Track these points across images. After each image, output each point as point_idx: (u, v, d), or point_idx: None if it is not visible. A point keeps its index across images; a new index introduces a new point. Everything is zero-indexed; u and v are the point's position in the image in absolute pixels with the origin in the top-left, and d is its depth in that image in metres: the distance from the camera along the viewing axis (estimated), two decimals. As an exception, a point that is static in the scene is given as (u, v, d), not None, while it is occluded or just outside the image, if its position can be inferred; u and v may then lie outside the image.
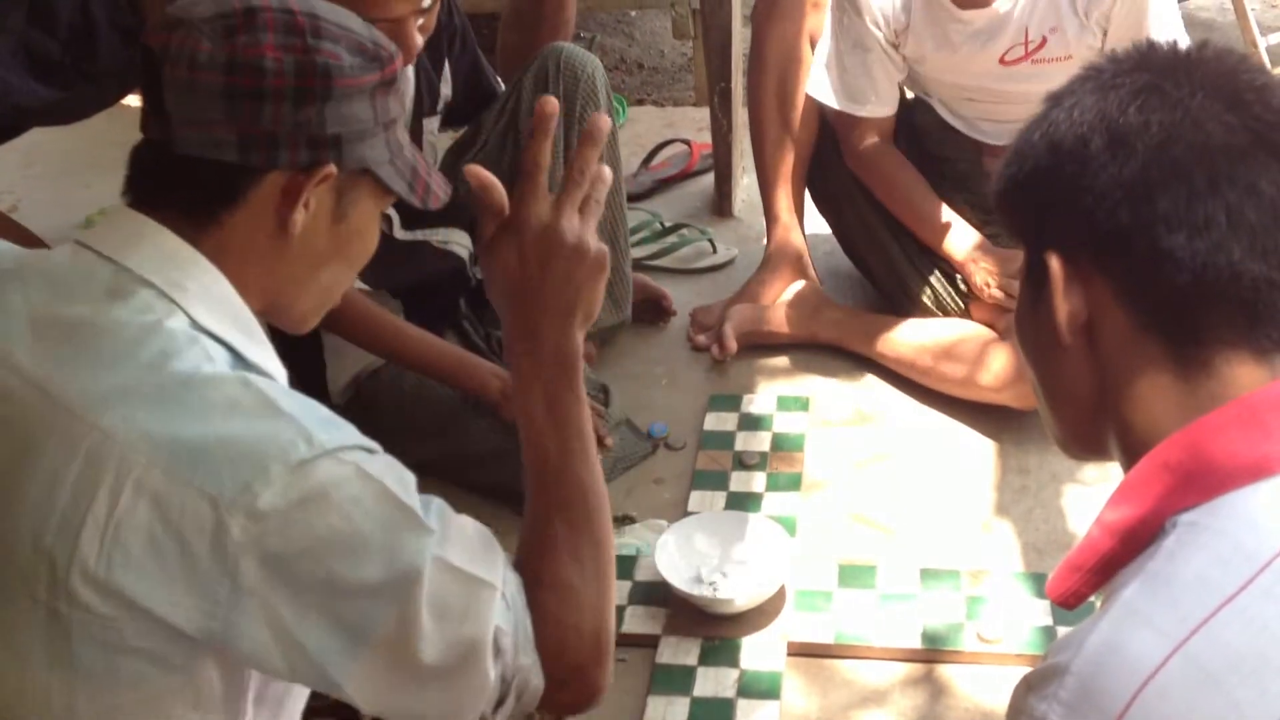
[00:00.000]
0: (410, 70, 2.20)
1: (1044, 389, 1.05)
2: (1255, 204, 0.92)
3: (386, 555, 1.07)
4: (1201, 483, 0.91)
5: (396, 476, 1.11)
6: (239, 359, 1.13)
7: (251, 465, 1.03)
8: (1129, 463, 0.97)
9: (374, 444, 1.11)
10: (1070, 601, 0.98)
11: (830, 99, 2.47)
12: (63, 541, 1.04)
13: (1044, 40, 2.27)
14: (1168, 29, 2.21)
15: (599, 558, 1.22)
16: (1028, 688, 0.89)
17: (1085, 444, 1.05)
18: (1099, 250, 0.96)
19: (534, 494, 1.25)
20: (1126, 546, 0.93)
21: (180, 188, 1.15)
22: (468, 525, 1.15)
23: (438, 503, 1.14)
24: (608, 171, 1.28)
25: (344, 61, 1.14)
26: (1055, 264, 0.97)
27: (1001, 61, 2.30)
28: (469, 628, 1.10)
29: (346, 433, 1.10)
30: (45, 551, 1.04)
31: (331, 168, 1.15)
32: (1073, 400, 1.02)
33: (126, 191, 1.18)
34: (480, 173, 1.26)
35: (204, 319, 1.12)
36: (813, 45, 2.54)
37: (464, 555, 1.11)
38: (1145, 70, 0.97)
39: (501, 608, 1.12)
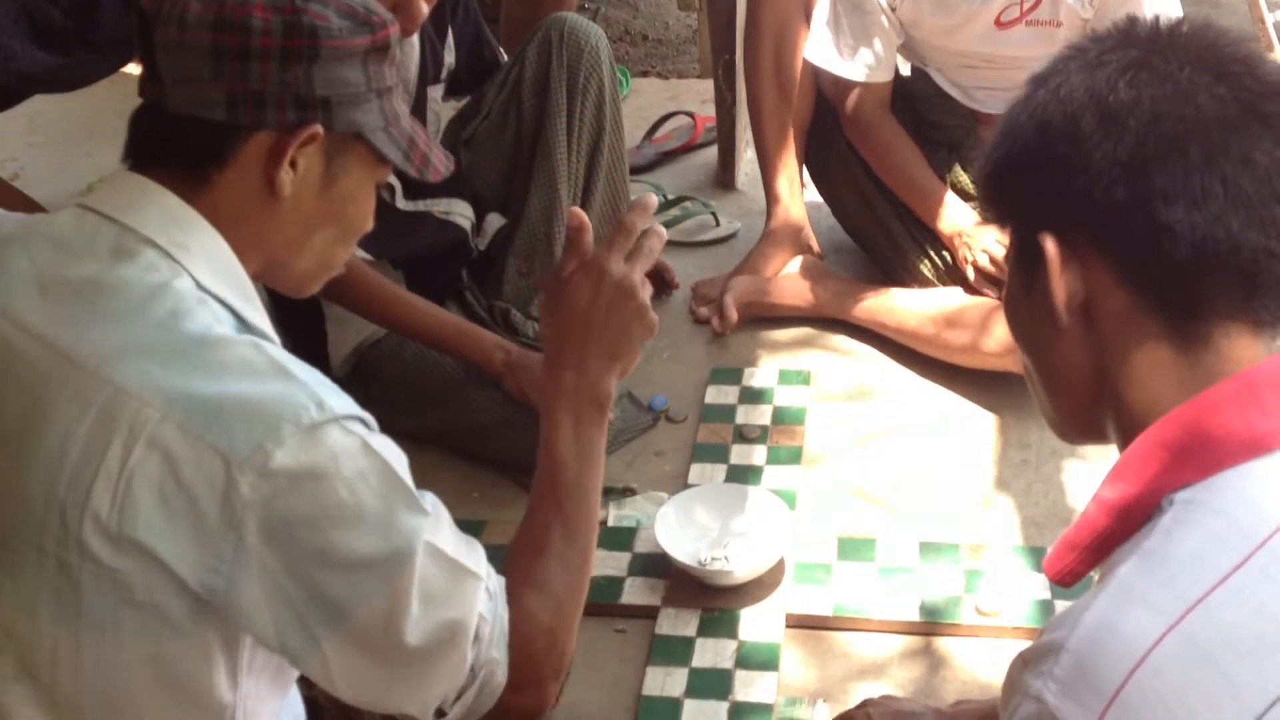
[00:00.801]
0: (415, 39, 2.19)
1: (1040, 372, 1.05)
2: (1251, 175, 0.92)
3: (383, 532, 1.09)
4: (1199, 460, 0.91)
5: (395, 455, 1.13)
6: (241, 322, 1.14)
7: (265, 425, 1.05)
8: (1125, 442, 0.97)
9: (371, 418, 1.13)
10: (1067, 580, 0.98)
11: (829, 63, 2.47)
12: (75, 493, 1.05)
13: (1038, 1, 2.28)
14: (1159, 4, 2.20)
15: (583, 576, 1.30)
16: (1024, 663, 0.89)
17: (1082, 426, 1.05)
18: (1096, 228, 0.95)
19: (542, 500, 1.33)
20: (1123, 524, 0.94)
21: (173, 148, 1.16)
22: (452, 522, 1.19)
23: (431, 495, 1.17)
24: (662, 231, 1.45)
25: (332, 24, 1.14)
26: (1051, 245, 0.97)
27: (997, 23, 2.31)
28: (454, 612, 1.14)
29: (350, 403, 1.12)
30: (57, 504, 1.05)
31: (318, 128, 1.16)
32: (1070, 382, 1.02)
33: (126, 155, 1.19)
34: (579, 215, 1.42)
35: (206, 280, 1.13)
36: (808, 16, 2.54)
37: (453, 544, 1.15)
38: (1131, 46, 0.97)
39: (484, 597, 1.17)
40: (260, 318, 1.17)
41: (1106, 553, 0.94)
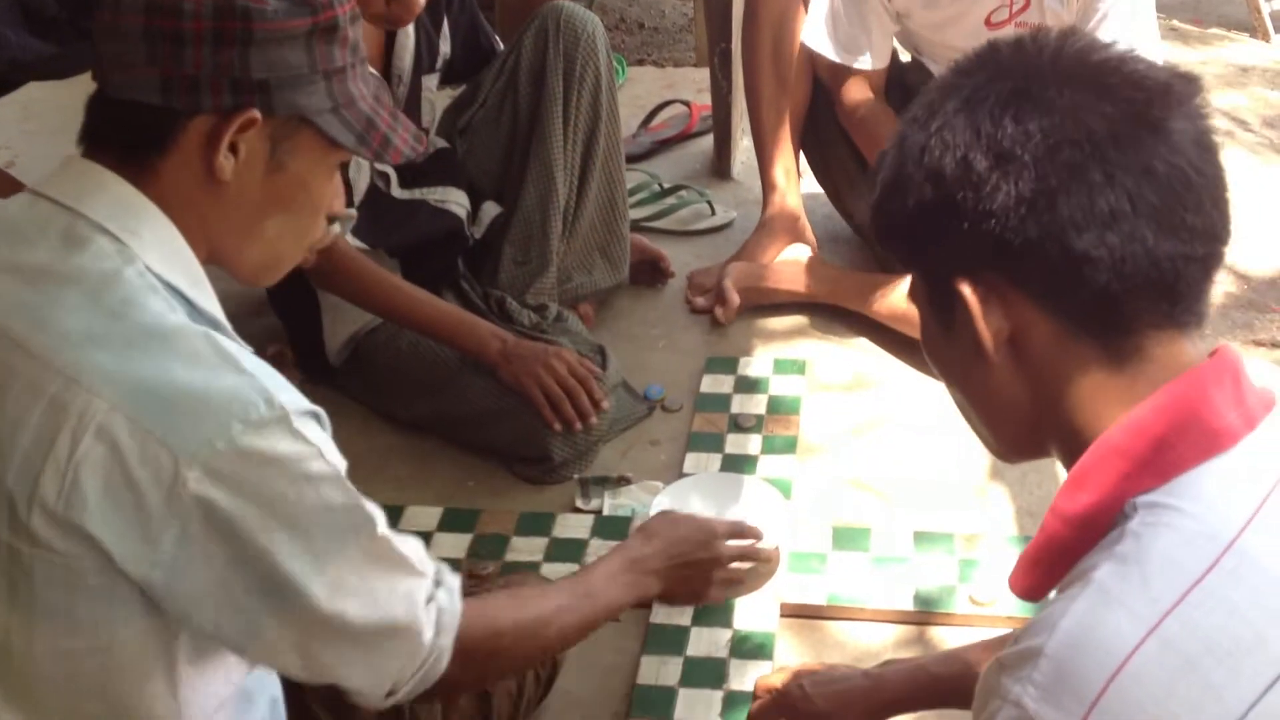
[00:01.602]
0: (410, 28, 2.19)
1: (974, 405, 1.04)
2: (1152, 184, 0.91)
3: (327, 529, 1.10)
4: (1157, 464, 0.91)
5: (339, 458, 1.13)
6: (194, 309, 1.13)
7: (214, 420, 1.05)
8: (1073, 455, 0.97)
9: (323, 413, 1.13)
10: (1035, 595, 0.98)
11: (825, 49, 2.48)
12: (23, 481, 1.05)
13: (1027, 2, 2.28)
14: (1132, 8, 2.22)
15: (542, 641, 1.42)
16: (1001, 668, 0.89)
17: (1024, 451, 1.05)
18: (1012, 268, 0.94)
19: (569, 596, 1.46)
20: (1086, 534, 0.94)
21: (116, 134, 1.15)
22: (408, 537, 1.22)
23: (370, 501, 1.17)
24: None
25: (267, 5, 1.13)
26: (968, 290, 0.96)
27: (987, 23, 2.31)
28: (398, 606, 1.17)
29: (300, 398, 1.11)
30: (6, 492, 1.06)
31: (255, 113, 1.14)
32: (1008, 413, 1.01)
33: (80, 141, 1.18)
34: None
35: (158, 267, 1.12)
36: (806, 3, 2.55)
37: (396, 540, 1.17)
38: (1005, 77, 0.95)
39: (428, 588, 1.20)
40: (212, 304, 1.16)
41: (1071, 564, 0.94)
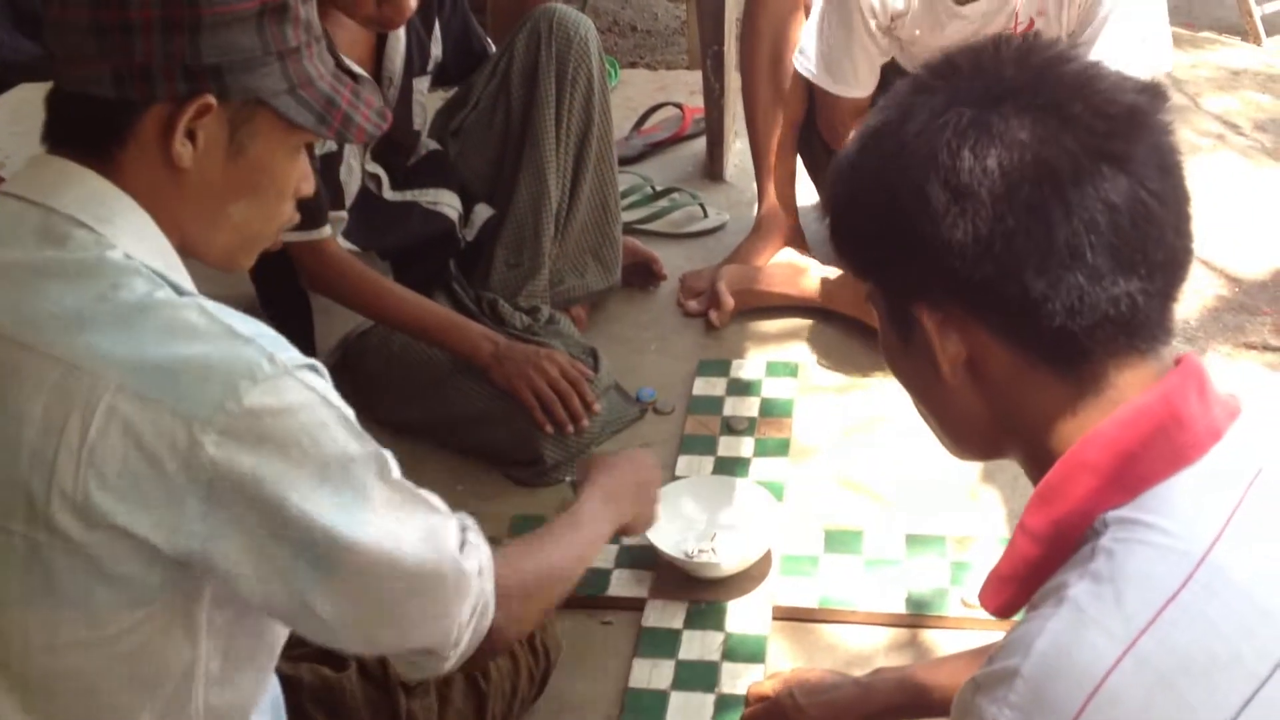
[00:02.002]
0: (401, 31, 2.19)
1: (933, 416, 1.04)
2: (1111, 220, 0.89)
3: (349, 473, 1.11)
4: (1125, 479, 0.91)
5: (345, 406, 1.14)
6: (176, 289, 1.13)
7: (222, 384, 1.05)
8: (1036, 468, 0.97)
9: (321, 365, 1.14)
10: (1008, 612, 0.97)
11: (809, 71, 2.48)
12: (38, 472, 1.05)
13: (1031, 22, 2.27)
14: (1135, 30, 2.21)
15: (560, 580, 1.43)
16: (976, 688, 0.88)
17: (982, 456, 1.05)
18: (968, 301, 0.93)
19: (570, 538, 1.48)
20: (1056, 549, 0.93)
21: (75, 128, 1.15)
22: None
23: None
24: None
25: None
26: (924, 316, 0.96)
27: None
28: (438, 537, 1.18)
29: (298, 353, 1.12)
30: (21, 485, 1.05)
31: (209, 99, 1.13)
32: (966, 425, 1.01)
33: (44, 138, 1.18)
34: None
35: (136, 252, 1.12)
36: (807, 13, 2.54)
37: (412, 484, 1.19)
38: (964, 101, 0.92)
39: (458, 530, 1.22)
40: (191, 286, 1.16)
41: (1042, 580, 0.93)
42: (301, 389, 1.08)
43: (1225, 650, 0.85)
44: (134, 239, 1.13)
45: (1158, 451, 0.91)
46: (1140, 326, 0.92)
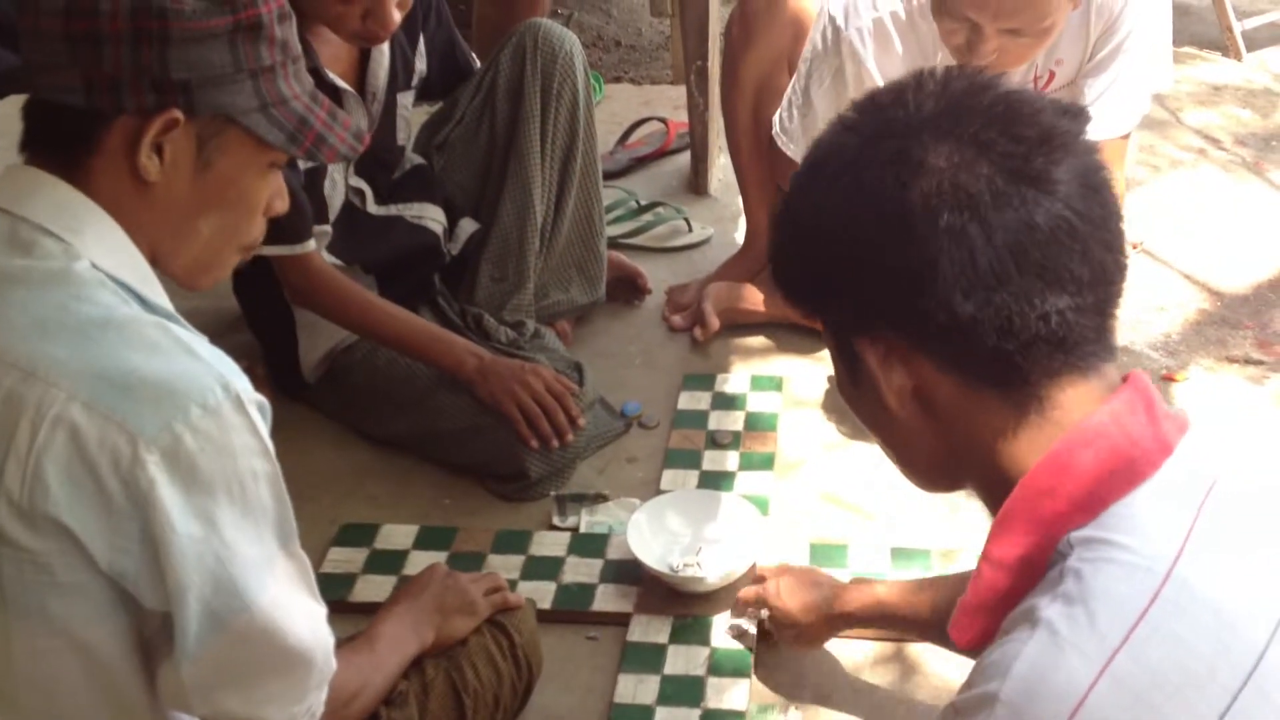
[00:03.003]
0: (385, 45, 2.19)
1: (892, 452, 1.06)
2: (1034, 240, 0.91)
3: (276, 529, 1.12)
4: (1084, 500, 0.92)
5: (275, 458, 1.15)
6: (145, 303, 1.13)
7: (172, 404, 1.05)
8: (992, 497, 0.98)
9: (266, 403, 1.13)
10: (979, 644, 0.97)
11: (798, 155, 2.41)
12: None
13: (1051, 75, 2.24)
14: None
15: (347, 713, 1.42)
16: (955, 713, 0.89)
17: (941, 487, 1.07)
18: (905, 331, 0.95)
19: (367, 668, 1.46)
20: (1023, 577, 0.94)
21: (48, 137, 1.16)
22: None
23: None
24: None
25: (185, 5, 1.13)
26: (867, 350, 0.98)
27: None
28: (319, 626, 1.18)
29: (249, 385, 1.12)
30: None
31: (176, 113, 1.14)
32: (920, 458, 1.03)
33: (21, 148, 1.19)
34: None
35: (104, 263, 1.13)
36: (791, 67, 2.45)
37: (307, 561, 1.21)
38: (887, 135, 0.95)
39: (325, 618, 1.22)
40: (162, 299, 1.17)
41: (1011, 606, 0.94)
42: (246, 431, 1.08)
43: (1197, 666, 0.86)
44: (103, 250, 1.13)
45: (1113, 470, 0.92)
46: (1076, 344, 0.94)
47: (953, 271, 0.91)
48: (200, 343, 1.11)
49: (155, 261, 1.19)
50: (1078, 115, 0.97)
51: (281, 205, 1.26)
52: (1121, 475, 0.92)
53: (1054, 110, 0.96)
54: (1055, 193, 0.92)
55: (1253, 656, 0.86)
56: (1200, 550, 0.90)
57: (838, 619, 1.73)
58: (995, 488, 0.97)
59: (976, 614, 0.97)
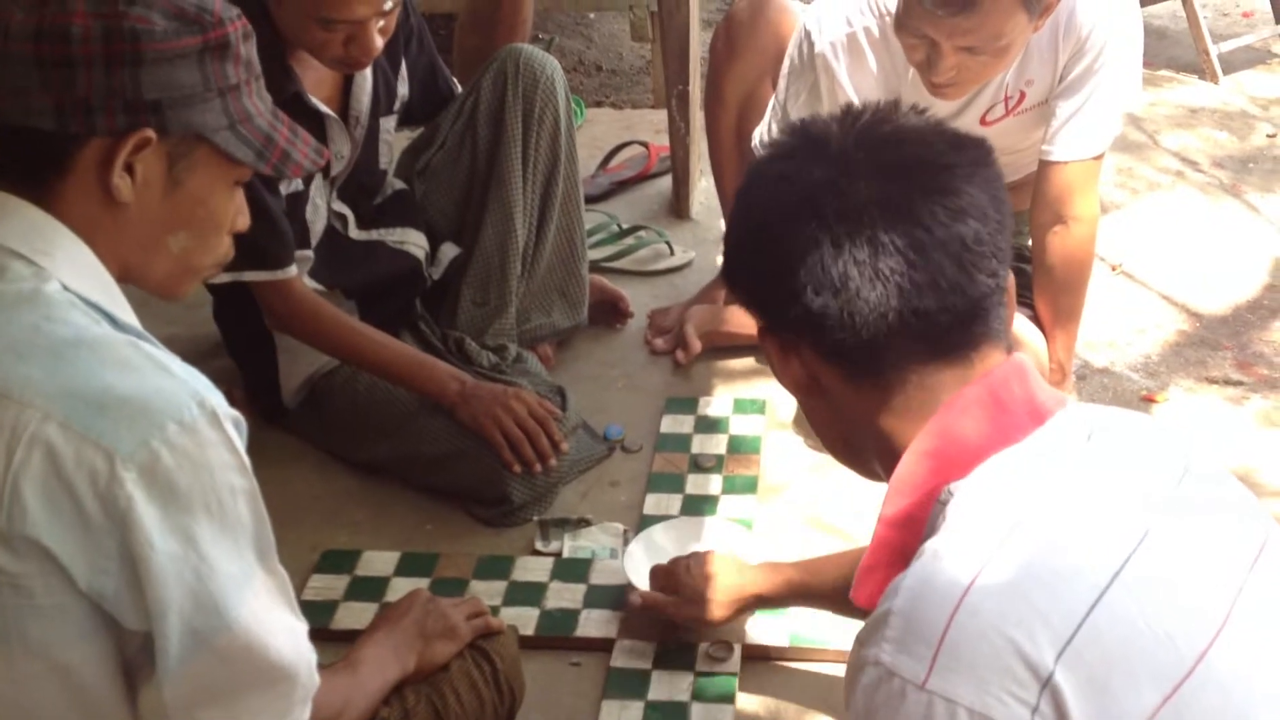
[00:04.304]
0: (368, 70, 2.19)
1: (819, 436, 1.20)
2: (883, 254, 1.04)
3: (255, 545, 1.12)
4: (961, 459, 1.03)
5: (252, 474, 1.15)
6: (115, 323, 1.14)
7: (149, 421, 1.05)
8: (890, 470, 1.09)
9: (242, 419, 1.14)
10: (878, 600, 1.03)
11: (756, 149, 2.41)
12: None
13: (1022, 95, 2.25)
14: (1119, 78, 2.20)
15: None
16: (860, 644, 0.97)
17: (861, 468, 1.18)
18: (784, 323, 1.09)
19: (348, 690, 1.46)
20: (912, 530, 1.04)
21: (16, 160, 1.16)
22: None
23: None
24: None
25: (155, 26, 1.14)
26: (768, 340, 1.12)
27: (983, 122, 2.27)
28: (302, 640, 1.18)
29: (225, 401, 1.12)
30: None
31: (149, 133, 1.15)
32: (832, 438, 1.18)
33: None
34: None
35: (75, 284, 1.13)
36: (774, 83, 2.44)
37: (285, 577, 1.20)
38: (782, 157, 1.11)
39: (306, 633, 1.21)
40: (131, 318, 1.17)
41: (906, 562, 1.01)
42: (224, 448, 1.09)
43: (1066, 566, 0.95)
44: (73, 272, 1.13)
45: (984, 431, 1.03)
46: (939, 340, 1.06)
47: (804, 275, 1.05)
48: (173, 360, 1.11)
49: (126, 276, 1.20)
50: (969, 147, 1.09)
51: (244, 222, 1.27)
52: (995, 439, 1.03)
53: (946, 142, 1.09)
54: (913, 216, 1.04)
55: (1119, 559, 0.95)
56: (1073, 482, 1.01)
57: (750, 600, 1.80)
58: (889, 461, 1.09)
59: (873, 571, 1.07)
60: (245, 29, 1.22)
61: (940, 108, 2.24)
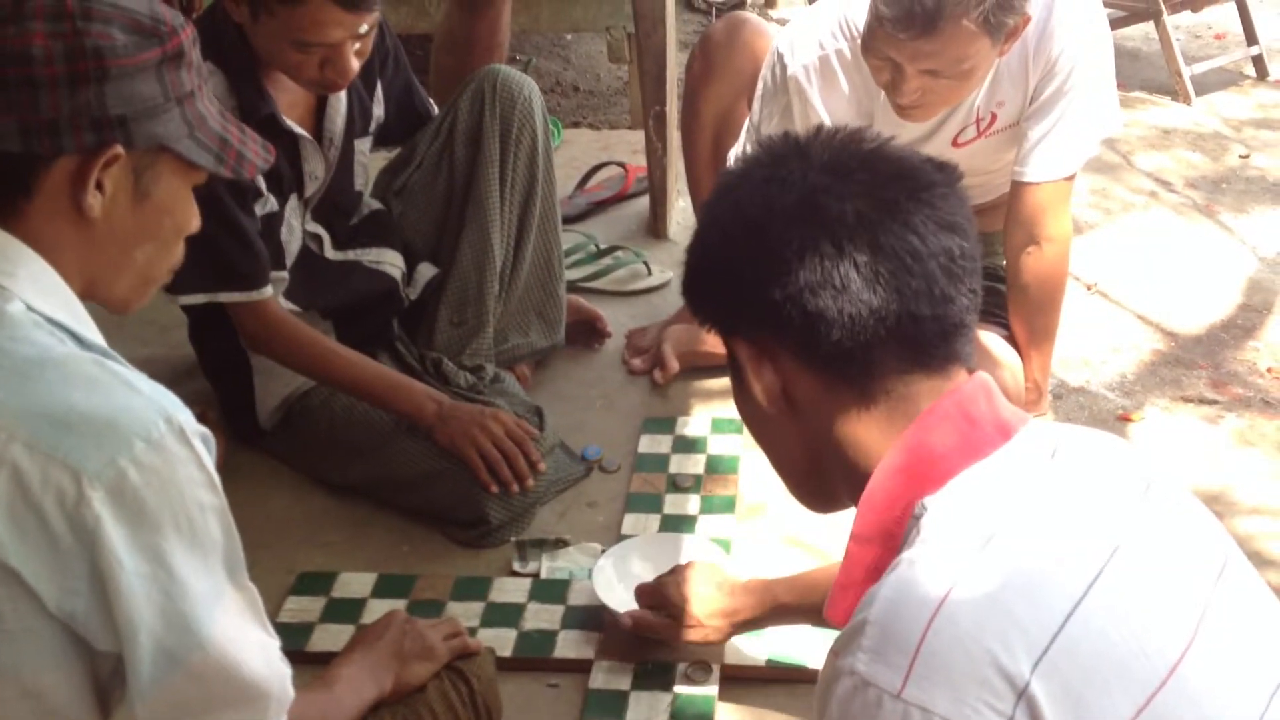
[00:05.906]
0: (343, 93, 2.19)
1: (771, 458, 1.18)
2: (882, 257, 1.04)
3: (226, 562, 1.11)
4: (934, 474, 1.04)
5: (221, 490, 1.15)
6: (80, 341, 1.13)
7: (115, 439, 1.04)
8: (857, 492, 1.07)
9: (211, 436, 1.13)
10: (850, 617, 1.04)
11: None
12: None
13: (994, 116, 2.26)
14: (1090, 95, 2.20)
15: None
16: (834, 654, 0.97)
17: (817, 498, 1.18)
18: (767, 327, 1.08)
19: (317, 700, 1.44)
20: (887, 545, 1.04)
21: None
22: None
23: None
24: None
25: (116, 41, 1.13)
26: (740, 348, 1.11)
27: (955, 144, 2.28)
28: (274, 655, 1.17)
29: (193, 418, 1.12)
30: None
31: (118, 149, 1.14)
32: (792, 461, 1.15)
33: None
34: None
35: (38, 304, 1.12)
36: (750, 102, 2.45)
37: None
38: (767, 164, 1.11)
39: (278, 649, 1.20)
40: (96, 337, 1.16)
41: (879, 577, 1.01)
42: (192, 465, 1.08)
43: (1042, 576, 0.96)
44: (37, 291, 1.13)
45: (955, 446, 1.04)
46: (922, 346, 1.06)
47: (804, 275, 1.04)
48: (140, 378, 1.11)
49: (89, 293, 1.19)
50: (945, 168, 1.10)
51: (196, 224, 1.26)
52: (963, 451, 1.04)
53: (923, 160, 1.10)
54: (908, 223, 1.05)
55: (1092, 571, 0.96)
56: (1044, 496, 1.02)
57: (741, 625, 1.79)
58: (857, 484, 1.08)
59: (847, 589, 1.07)
60: (194, 33, 1.22)
61: (913, 129, 2.25)
